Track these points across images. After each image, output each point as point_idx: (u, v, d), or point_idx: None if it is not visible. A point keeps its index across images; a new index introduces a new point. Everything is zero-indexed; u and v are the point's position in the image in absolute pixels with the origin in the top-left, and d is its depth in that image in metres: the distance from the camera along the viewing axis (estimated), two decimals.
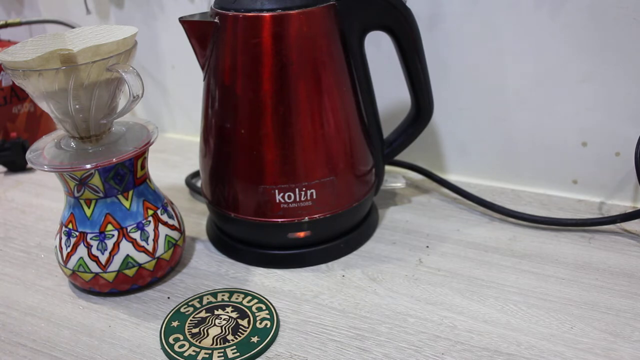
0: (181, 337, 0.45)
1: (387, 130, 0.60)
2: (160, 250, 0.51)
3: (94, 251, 0.49)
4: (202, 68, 0.53)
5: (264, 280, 0.52)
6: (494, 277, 0.51)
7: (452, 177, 0.69)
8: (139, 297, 0.51)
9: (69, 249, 0.49)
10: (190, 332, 0.46)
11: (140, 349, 0.45)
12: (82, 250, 0.49)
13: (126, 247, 0.49)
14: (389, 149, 0.59)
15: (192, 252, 0.57)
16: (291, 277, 0.52)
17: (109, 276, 0.49)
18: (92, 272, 0.49)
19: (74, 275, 0.50)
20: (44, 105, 0.47)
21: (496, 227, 0.58)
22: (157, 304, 0.50)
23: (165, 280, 0.53)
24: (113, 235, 0.49)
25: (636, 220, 0.56)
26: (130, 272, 0.50)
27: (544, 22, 0.57)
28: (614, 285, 0.49)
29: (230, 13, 0.49)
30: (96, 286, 0.50)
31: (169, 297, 0.51)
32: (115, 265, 0.49)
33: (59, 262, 0.51)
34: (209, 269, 0.54)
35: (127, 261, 0.49)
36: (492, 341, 0.43)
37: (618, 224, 0.57)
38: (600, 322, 0.45)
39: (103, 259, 0.49)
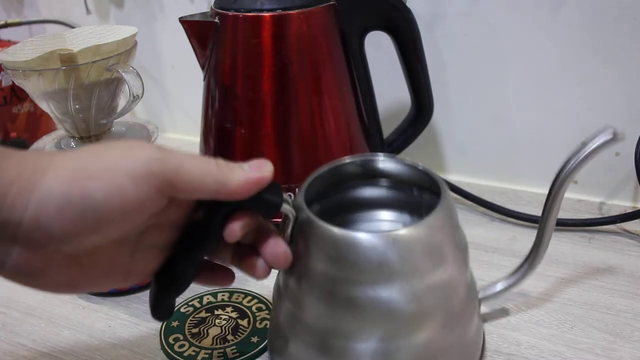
0: (181, 337, 0.45)
1: (387, 130, 0.60)
2: None
3: None
4: (202, 68, 0.53)
5: (264, 280, 0.52)
6: (494, 277, 0.50)
7: (452, 177, 0.69)
8: (139, 297, 0.51)
9: None
10: (190, 332, 0.46)
11: (140, 349, 0.45)
12: None
13: None
14: (389, 149, 0.59)
15: None
16: None
17: None
18: None
19: None
20: (44, 105, 0.47)
21: (496, 227, 0.58)
22: None
23: None
24: None
25: (636, 220, 0.56)
26: None
27: (544, 22, 0.57)
28: (614, 285, 0.49)
29: (230, 13, 0.49)
30: None
31: None
32: None
33: None
34: None
35: None
36: (492, 341, 0.43)
37: (618, 224, 0.57)
38: (600, 322, 0.45)
39: None
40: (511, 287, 0.43)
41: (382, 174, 0.43)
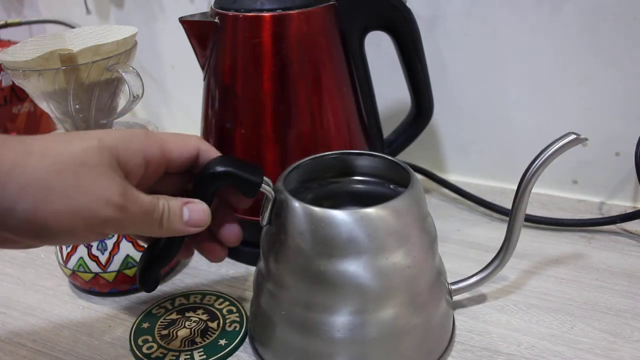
0: (150, 339, 0.45)
1: (387, 130, 0.60)
2: None
3: (94, 251, 0.49)
4: (202, 68, 0.53)
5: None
6: (494, 277, 0.51)
7: (452, 177, 0.69)
8: (139, 297, 0.51)
9: (69, 249, 0.49)
10: (160, 333, 0.45)
11: None
12: (82, 250, 0.49)
13: (126, 247, 0.49)
14: (389, 149, 0.59)
15: None
16: None
17: (109, 276, 0.49)
18: (92, 272, 0.49)
19: (74, 275, 0.50)
20: (44, 105, 0.47)
21: (496, 227, 0.58)
22: None
23: (165, 281, 0.53)
24: (113, 235, 0.49)
25: (636, 220, 0.56)
26: (130, 272, 0.50)
27: (544, 21, 0.57)
28: (614, 285, 0.49)
29: (230, 13, 0.49)
30: (96, 286, 0.50)
31: None
32: (115, 265, 0.49)
33: (59, 262, 0.51)
34: (209, 269, 0.54)
35: (127, 261, 0.49)
36: (492, 341, 0.43)
37: (618, 224, 0.57)
38: (600, 322, 0.45)
39: (103, 259, 0.49)
40: (483, 280, 0.46)
41: (360, 170, 0.46)
